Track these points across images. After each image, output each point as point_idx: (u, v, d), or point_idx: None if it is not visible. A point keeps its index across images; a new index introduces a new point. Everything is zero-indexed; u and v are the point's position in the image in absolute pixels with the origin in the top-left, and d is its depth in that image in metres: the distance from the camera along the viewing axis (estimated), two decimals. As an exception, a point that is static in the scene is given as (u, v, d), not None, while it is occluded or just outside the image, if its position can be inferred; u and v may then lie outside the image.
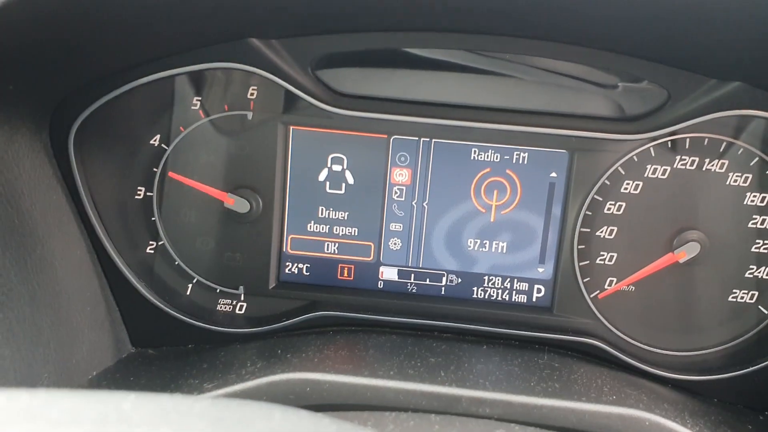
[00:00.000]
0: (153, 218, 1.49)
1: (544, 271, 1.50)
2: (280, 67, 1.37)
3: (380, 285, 1.53)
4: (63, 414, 0.54)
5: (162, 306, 1.50)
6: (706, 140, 1.39)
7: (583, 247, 1.46)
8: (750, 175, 1.40)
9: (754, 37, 1.14)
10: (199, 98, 1.45)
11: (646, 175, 1.42)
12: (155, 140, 1.46)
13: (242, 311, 1.53)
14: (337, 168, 1.48)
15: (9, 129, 1.22)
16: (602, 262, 1.46)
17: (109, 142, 1.44)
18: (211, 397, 1.11)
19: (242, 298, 1.53)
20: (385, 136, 1.46)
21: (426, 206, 1.49)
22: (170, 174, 1.47)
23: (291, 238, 1.52)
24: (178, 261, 1.51)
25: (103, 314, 1.44)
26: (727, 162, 1.40)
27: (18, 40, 1.08)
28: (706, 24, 1.12)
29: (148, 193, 1.48)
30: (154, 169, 1.47)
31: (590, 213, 1.44)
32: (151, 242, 1.51)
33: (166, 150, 1.47)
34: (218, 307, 1.53)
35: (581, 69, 1.38)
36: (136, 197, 1.48)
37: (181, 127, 1.46)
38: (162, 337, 1.51)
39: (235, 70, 1.39)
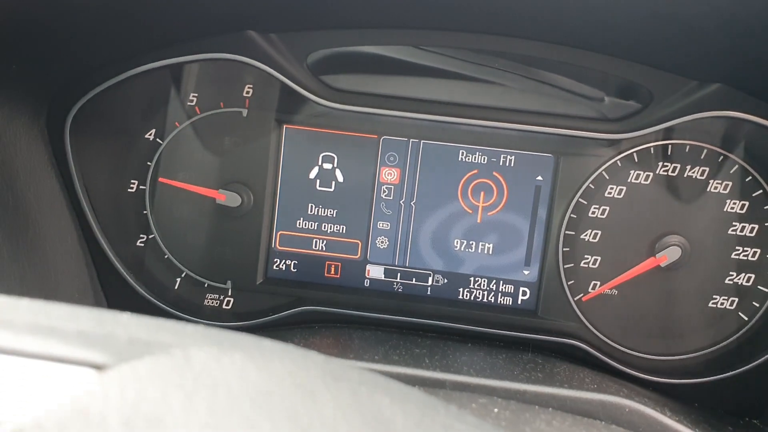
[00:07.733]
0: (145, 211, 1.51)
1: (530, 273, 1.52)
2: (276, 60, 1.40)
3: (366, 283, 1.54)
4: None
5: (150, 298, 1.51)
6: (688, 147, 1.43)
7: (568, 249, 1.49)
8: (730, 183, 1.44)
9: (734, 41, 1.19)
10: (196, 94, 1.48)
11: (629, 180, 1.46)
12: (150, 134, 1.49)
13: (229, 306, 1.54)
14: (327, 166, 1.51)
15: (8, 110, 1.24)
16: (586, 265, 1.49)
17: (105, 134, 1.46)
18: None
19: (230, 293, 1.54)
20: (376, 136, 1.49)
21: (414, 205, 1.51)
22: (161, 180, 1.50)
23: (280, 235, 1.53)
24: (167, 254, 1.53)
25: (91, 302, 1.44)
26: (707, 169, 1.44)
27: (21, 20, 1.11)
28: (687, 27, 1.17)
29: (141, 187, 1.50)
30: (148, 163, 1.49)
31: (575, 216, 1.47)
32: (141, 235, 1.52)
33: (160, 144, 1.49)
34: (206, 302, 1.54)
35: (568, 72, 1.43)
36: (129, 190, 1.50)
37: (176, 123, 1.49)
38: None
39: (233, 66, 1.43)
